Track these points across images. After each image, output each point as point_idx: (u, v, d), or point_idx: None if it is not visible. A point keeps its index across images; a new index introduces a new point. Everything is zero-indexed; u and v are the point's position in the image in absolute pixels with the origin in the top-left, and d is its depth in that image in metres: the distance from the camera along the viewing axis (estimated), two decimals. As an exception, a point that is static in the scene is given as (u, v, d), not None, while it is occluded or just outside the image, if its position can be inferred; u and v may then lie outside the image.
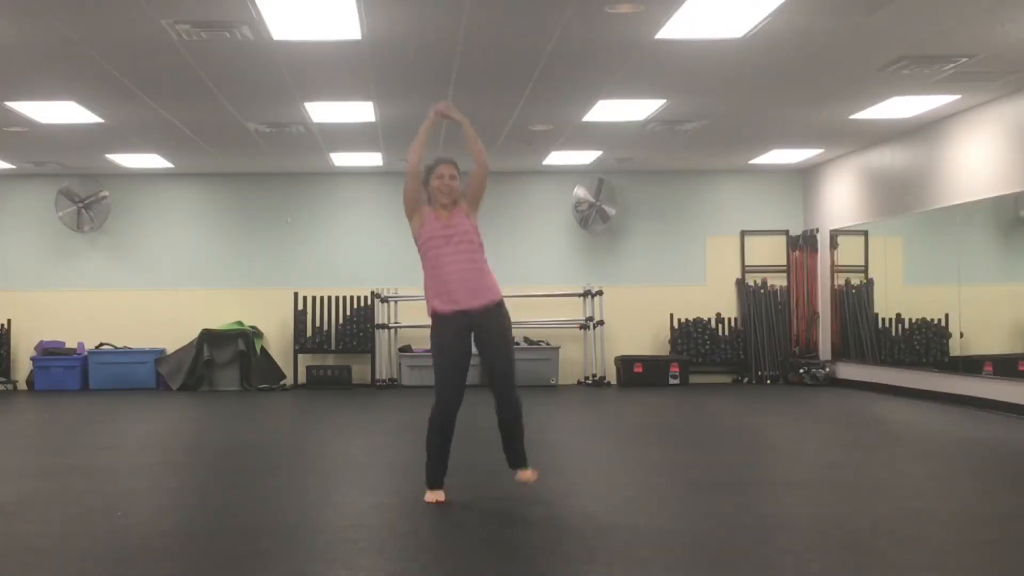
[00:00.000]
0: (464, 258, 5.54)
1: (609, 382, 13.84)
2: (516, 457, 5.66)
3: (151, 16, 6.82)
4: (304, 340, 13.65)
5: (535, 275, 14.01)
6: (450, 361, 5.53)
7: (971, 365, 10.60)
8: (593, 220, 14.09)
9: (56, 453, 7.87)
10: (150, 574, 4.29)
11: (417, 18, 7.02)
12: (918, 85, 9.10)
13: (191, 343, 13.50)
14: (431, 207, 5.65)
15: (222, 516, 5.43)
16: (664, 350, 14.09)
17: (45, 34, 7.23)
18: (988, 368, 10.42)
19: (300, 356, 13.73)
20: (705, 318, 14.06)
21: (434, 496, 5.57)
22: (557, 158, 12.96)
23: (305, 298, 13.72)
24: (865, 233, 12.89)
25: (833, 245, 13.53)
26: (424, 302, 5.68)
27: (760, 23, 7.10)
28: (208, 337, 13.41)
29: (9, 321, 13.71)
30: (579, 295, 13.84)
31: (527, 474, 5.63)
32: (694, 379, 13.69)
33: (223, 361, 13.46)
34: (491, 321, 5.56)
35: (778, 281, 14.30)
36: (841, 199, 13.28)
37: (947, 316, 11.05)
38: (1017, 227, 10.32)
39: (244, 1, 6.56)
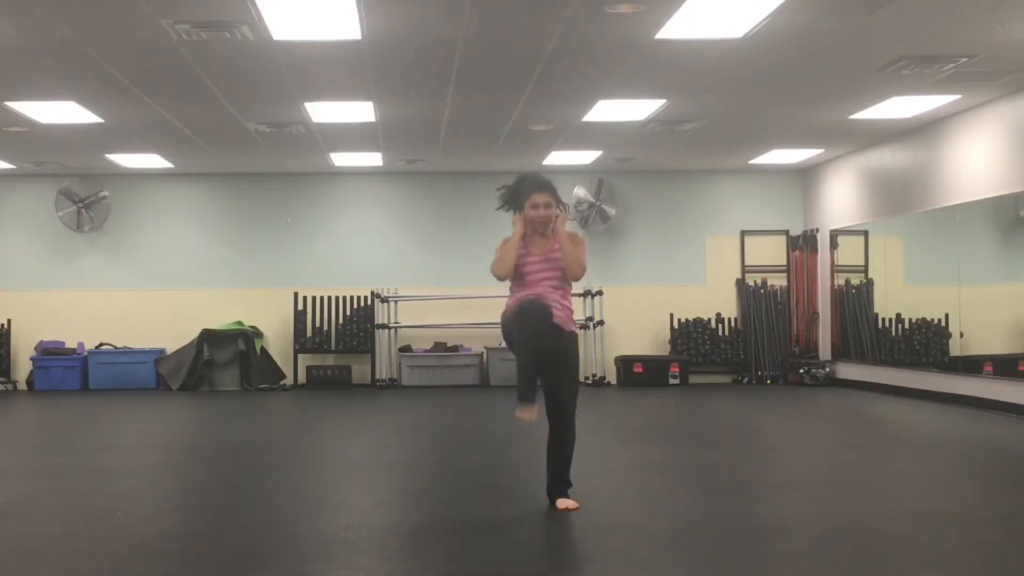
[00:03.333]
0: (552, 284, 5.41)
1: (609, 382, 13.84)
2: (561, 487, 5.49)
3: (151, 16, 6.82)
4: (304, 340, 13.65)
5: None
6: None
7: (971, 365, 10.60)
8: (593, 220, 14.09)
9: (56, 453, 7.87)
10: (150, 574, 4.29)
11: (417, 18, 7.02)
12: (918, 85, 9.10)
13: (191, 343, 13.50)
14: (524, 241, 5.42)
15: (222, 516, 5.44)
16: (664, 350, 14.09)
17: (45, 34, 7.22)
18: (988, 368, 10.42)
19: (300, 356, 13.72)
20: (705, 318, 14.06)
21: (529, 412, 5.29)
22: (557, 158, 12.95)
23: (305, 298, 13.72)
24: (865, 233, 12.88)
25: (833, 245, 13.52)
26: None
27: (760, 23, 7.10)
28: (208, 337, 13.41)
29: (9, 321, 13.71)
30: (579, 295, 13.83)
31: (569, 503, 5.42)
32: (694, 379, 13.68)
33: (223, 361, 13.46)
34: (564, 346, 5.39)
35: (778, 281, 14.30)
36: (841, 199, 13.27)
37: (947, 316, 11.05)
38: (1017, 227, 10.32)
39: (244, 1, 6.56)
